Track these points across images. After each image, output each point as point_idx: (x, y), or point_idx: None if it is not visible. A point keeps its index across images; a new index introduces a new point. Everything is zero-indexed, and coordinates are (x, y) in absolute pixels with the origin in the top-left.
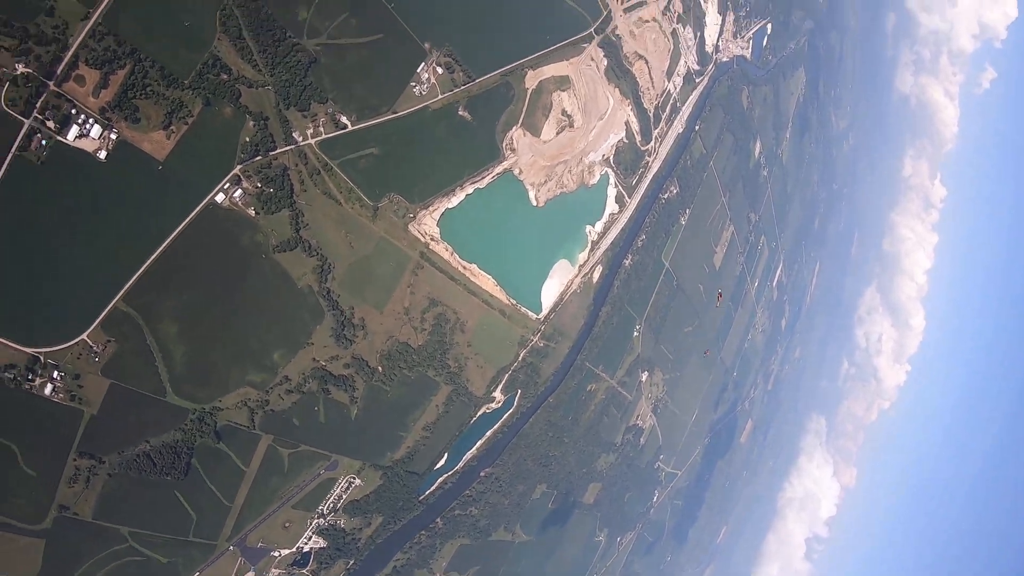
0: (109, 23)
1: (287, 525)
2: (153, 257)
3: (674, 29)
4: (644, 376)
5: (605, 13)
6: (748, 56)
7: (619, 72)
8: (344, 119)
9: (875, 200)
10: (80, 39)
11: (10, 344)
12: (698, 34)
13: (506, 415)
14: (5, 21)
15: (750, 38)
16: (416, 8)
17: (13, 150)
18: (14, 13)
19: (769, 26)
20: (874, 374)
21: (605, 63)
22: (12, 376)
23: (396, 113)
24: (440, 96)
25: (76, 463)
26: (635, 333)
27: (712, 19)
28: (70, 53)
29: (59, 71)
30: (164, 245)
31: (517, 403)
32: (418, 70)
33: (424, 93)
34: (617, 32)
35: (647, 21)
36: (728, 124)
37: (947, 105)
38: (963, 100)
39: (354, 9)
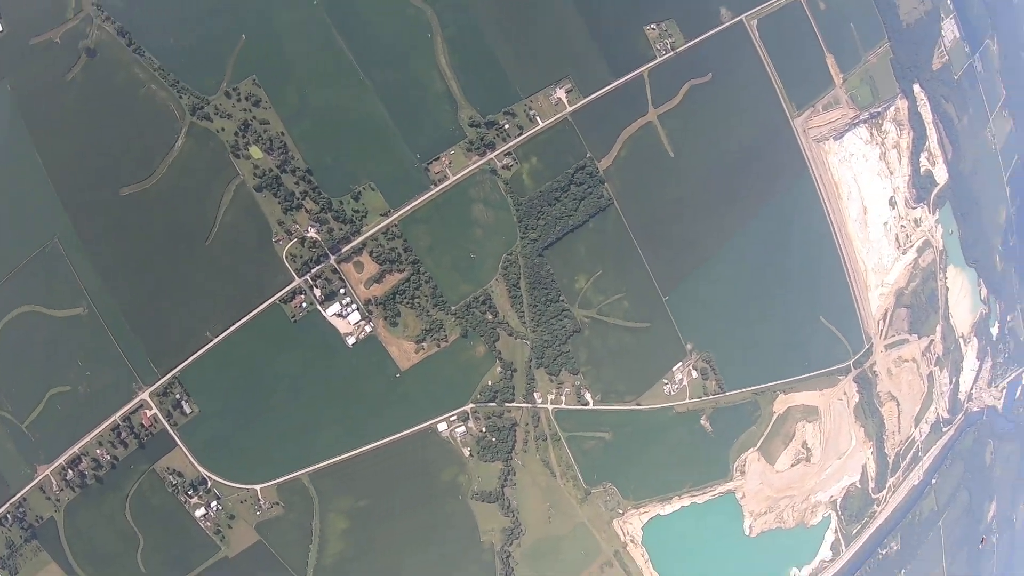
0: (404, 227)
1: None
2: (357, 452)
3: (931, 372)
4: None
5: (867, 347)
6: (999, 407)
7: (868, 411)
8: (588, 396)
9: None
10: (373, 231)
11: (188, 454)
12: (953, 379)
13: None
14: (316, 187)
15: (1004, 387)
16: (688, 307)
17: (276, 297)
18: (326, 184)
19: None
20: None
21: (856, 399)
22: (175, 482)
23: (640, 406)
24: (688, 400)
25: None
26: None
27: (970, 364)
28: (360, 239)
29: (344, 250)
30: (372, 446)
31: None
32: (673, 368)
33: (673, 393)
34: (875, 368)
35: (906, 361)
36: (966, 481)
37: None
38: None
39: (630, 292)
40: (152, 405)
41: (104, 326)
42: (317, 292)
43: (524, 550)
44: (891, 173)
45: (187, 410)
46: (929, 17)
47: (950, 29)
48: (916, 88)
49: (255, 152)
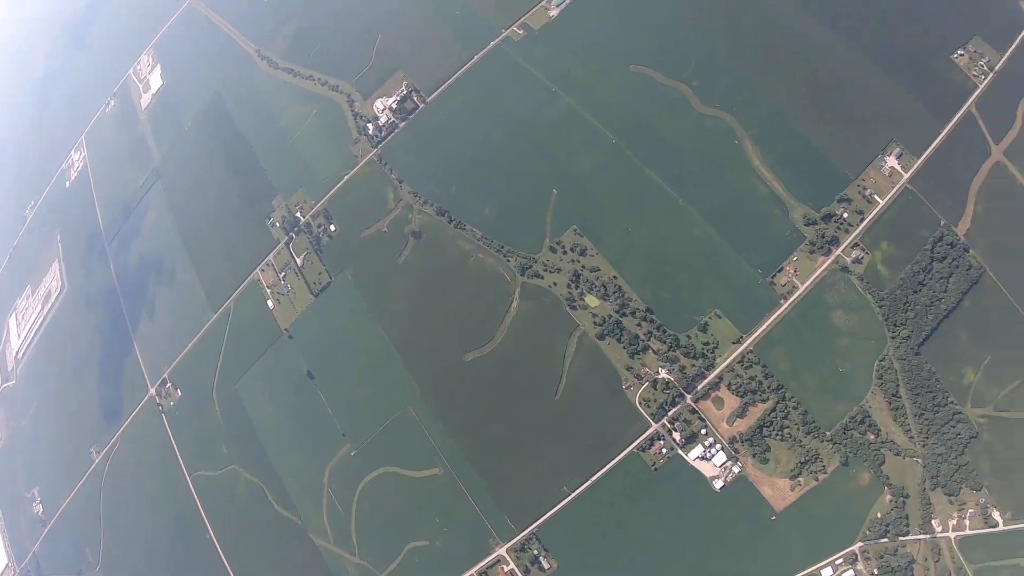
0: (760, 352)
1: None
2: None
3: None
4: None
5: None
6: None
7: None
8: (996, 515)
9: None
10: (728, 362)
11: None
12: None
13: None
14: (659, 325)
15: None
16: None
17: (633, 445)
18: (669, 320)
19: None
20: None
21: None
22: None
23: None
24: None
25: None
26: None
27: None
28: (715, 373)
29: (699, 387)
30: None
31: None
32: None
33: None
34: None
35: None
36: None
37: None
38: None
39: None
40: (510, 560)
41: (460, 485)
42: (676, 436)
43: None
44: None
45: (545, 566)
46: None
47: None
48: None
49: (591, 301)
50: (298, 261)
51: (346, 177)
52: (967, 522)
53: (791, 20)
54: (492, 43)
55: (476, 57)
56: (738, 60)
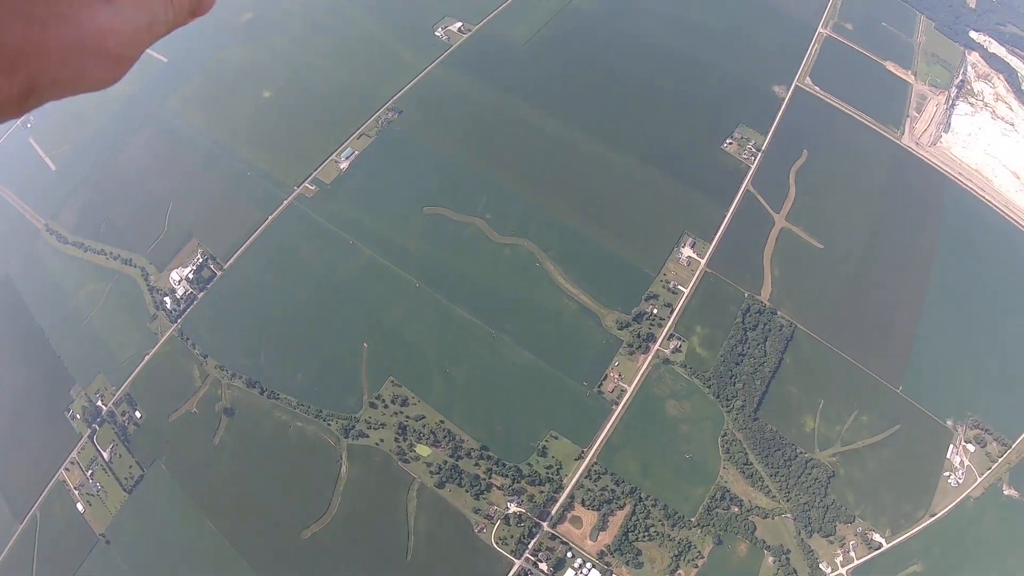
0: (605, 461)
1: None
2: None
3: None
4: None
5: None
6: None
7: None
8: (877, 536)
9: None
10: (575, 480)
11: None
12: None
13: None
14: (498, 460)
15: None
16: (927, 384)
17: None
18: (506, 452)
19: None
20: None
21: None
22: None
23: (935, 515)
24: (980, 480)
25: None
26: None
27: None
28: (565, 494)
29: (553, 512)
30: None
31: None
32: (948, 456)
33: (961, 481)
34: None
35: None
36: None
37: None
38: None
39: (863, 405)
40: None
41: None
42: (543, 566)
43: None
44: (1013, 124)
45: None
46: None
47: None
48: (973, 35)
49: (423, 450)
50: (105, 455)
51: (147, 357)
52: (852, 554)
53: (567, 141)
54: (285, 202)
55: (271, 217)
56: (526, 187)
